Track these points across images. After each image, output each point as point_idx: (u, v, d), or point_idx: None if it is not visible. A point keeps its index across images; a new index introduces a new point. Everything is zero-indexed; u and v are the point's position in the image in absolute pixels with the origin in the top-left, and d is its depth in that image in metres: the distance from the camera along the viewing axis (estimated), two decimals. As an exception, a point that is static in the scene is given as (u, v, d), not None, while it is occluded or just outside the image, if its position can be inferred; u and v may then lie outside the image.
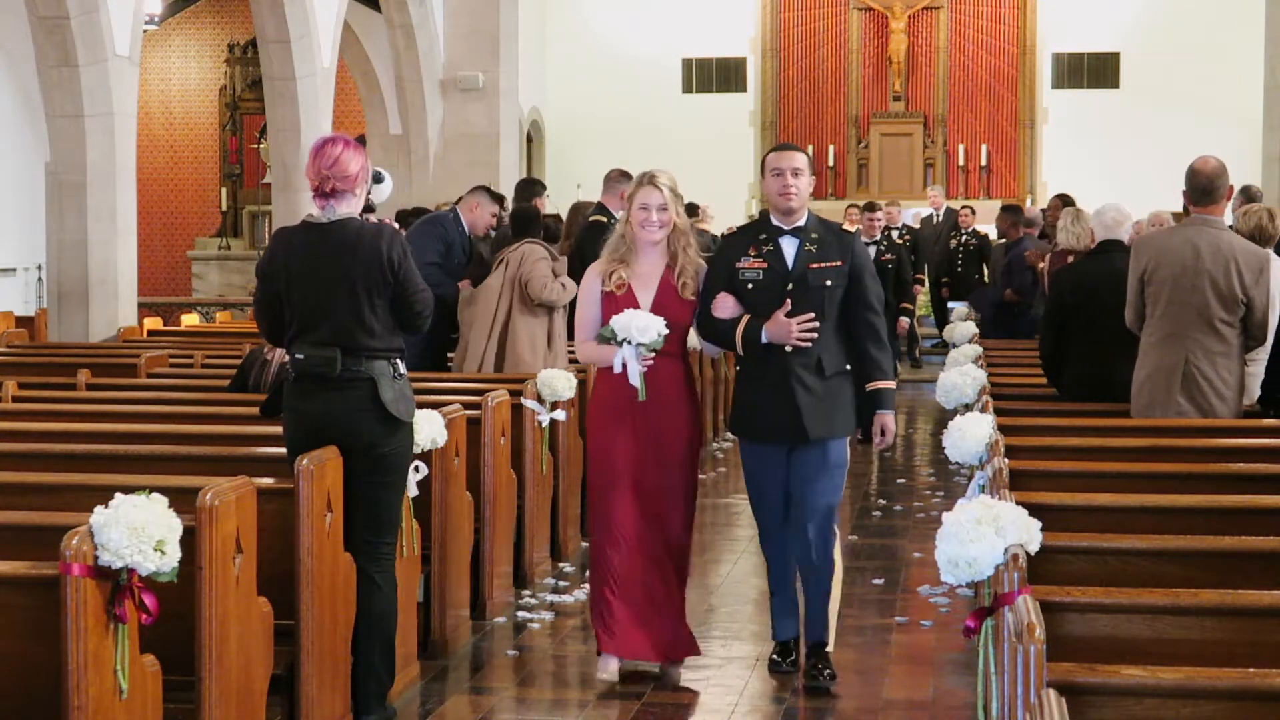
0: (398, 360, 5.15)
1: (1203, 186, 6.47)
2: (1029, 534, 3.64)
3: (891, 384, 5.74)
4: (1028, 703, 3.02)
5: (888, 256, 12.71)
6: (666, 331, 5.59)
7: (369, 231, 5.06)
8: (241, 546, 4.36)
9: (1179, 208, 9.56)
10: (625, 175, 9.52)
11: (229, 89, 21.88)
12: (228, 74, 21.91)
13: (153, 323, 12.80)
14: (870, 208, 13.63)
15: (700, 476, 7.43)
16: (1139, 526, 4.47)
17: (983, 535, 3.57)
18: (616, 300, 5.74)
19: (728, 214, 17.91)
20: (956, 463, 5.80)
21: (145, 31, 13.78)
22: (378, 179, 5.56)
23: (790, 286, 5.66)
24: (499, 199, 10.13)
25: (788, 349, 5.63)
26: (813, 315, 5.62)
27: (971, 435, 5.53)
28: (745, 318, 5.69)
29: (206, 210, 21.90)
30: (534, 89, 21.40)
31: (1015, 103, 22.07)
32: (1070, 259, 9.34)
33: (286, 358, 5.22)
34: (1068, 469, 5.39)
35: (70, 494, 4.91)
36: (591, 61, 22.18)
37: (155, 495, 3.80)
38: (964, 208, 16.52)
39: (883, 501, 9.57)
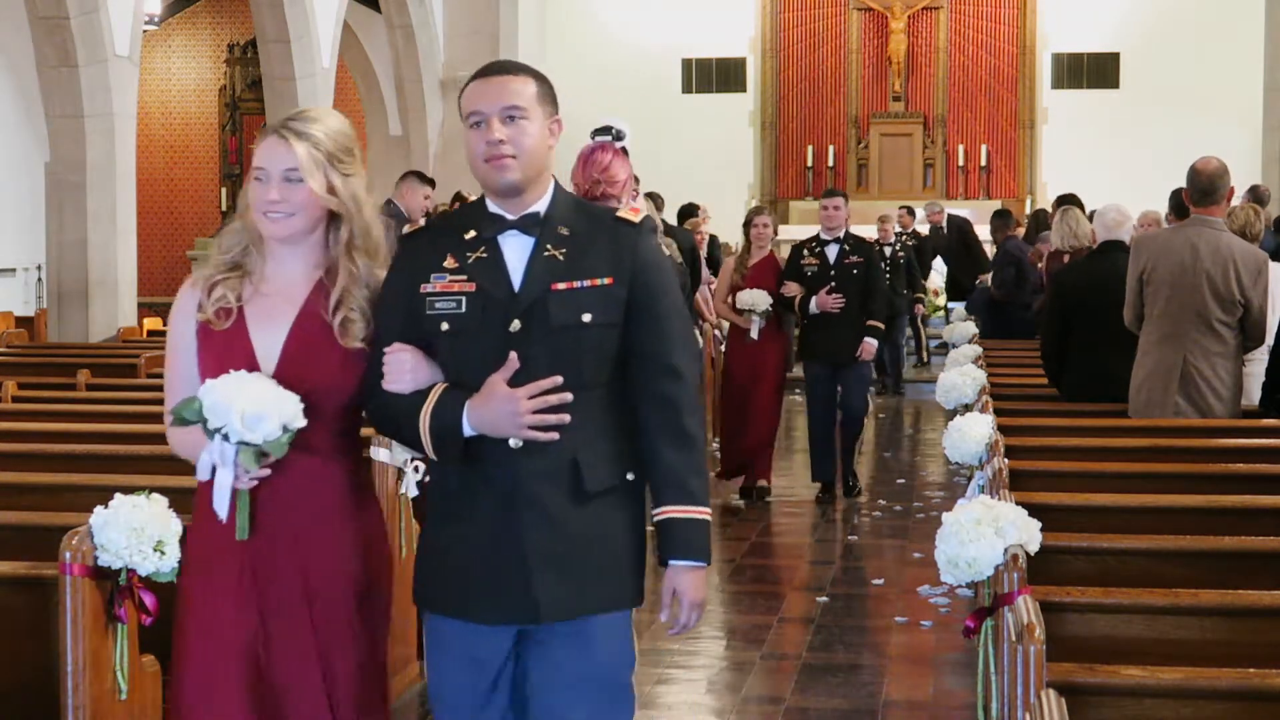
0: None
1: (1203, 187, 6.47)
2: (1029, 534, 3.64)
3: (702, 514, 3.14)
4: (1028, 703, 3.02)
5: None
6: (295, 425, 3.11)
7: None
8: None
9: (1165, 207, 9.59)
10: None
11: (229, 89, 21.88)
12: (227, 74, 21.90)
13: (153, 323, 12.81)
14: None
15: None
16: (1139, 526, 4.47)
17: (983, 535, 3.57)
18: (215, 341, 3.26)
19: (728, 214, 17.89)
20: (956, 463, 5.80)
21: (145, 31, 13.78)
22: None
23: (516, 326, 3.08)
24: (429, 181, 10.37)
25: (513, 445, 3.06)
26: (559, 381, 3.05)
27: (971, 435, 5.53)
28: (436, 390, 3.11)
29: (206, 210, 21.90)
30: (534, 89, 21.37)
31: (1015, 103, 22.05)
32: (1066, 258, 9.35)
33: None
34: (1068, 469, 5.39)
35: (70, 494, 4.91)
36: (591, 62, 22.17)
37: (155, 496, 3.80)
38: (902, 208, 16.35)
39: (883, 501, 9.57)
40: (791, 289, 9.45)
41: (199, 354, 3.27)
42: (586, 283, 3.10)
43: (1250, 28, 18.95)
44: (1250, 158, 17.81)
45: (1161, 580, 3.95)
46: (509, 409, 3.01)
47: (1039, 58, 21.98)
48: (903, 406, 14.67)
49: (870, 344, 9.45)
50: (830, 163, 22.03)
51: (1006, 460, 5.12)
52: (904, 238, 15.19)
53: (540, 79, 3.18)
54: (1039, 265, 11.68)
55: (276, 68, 13.83)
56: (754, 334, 9.57)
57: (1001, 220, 13.44)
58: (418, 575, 3.23)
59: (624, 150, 5.13)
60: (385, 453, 5.27)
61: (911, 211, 16.30)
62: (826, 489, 9.59)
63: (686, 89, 22.48)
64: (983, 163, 21.99)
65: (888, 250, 14.17)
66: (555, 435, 3.04)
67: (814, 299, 9.35)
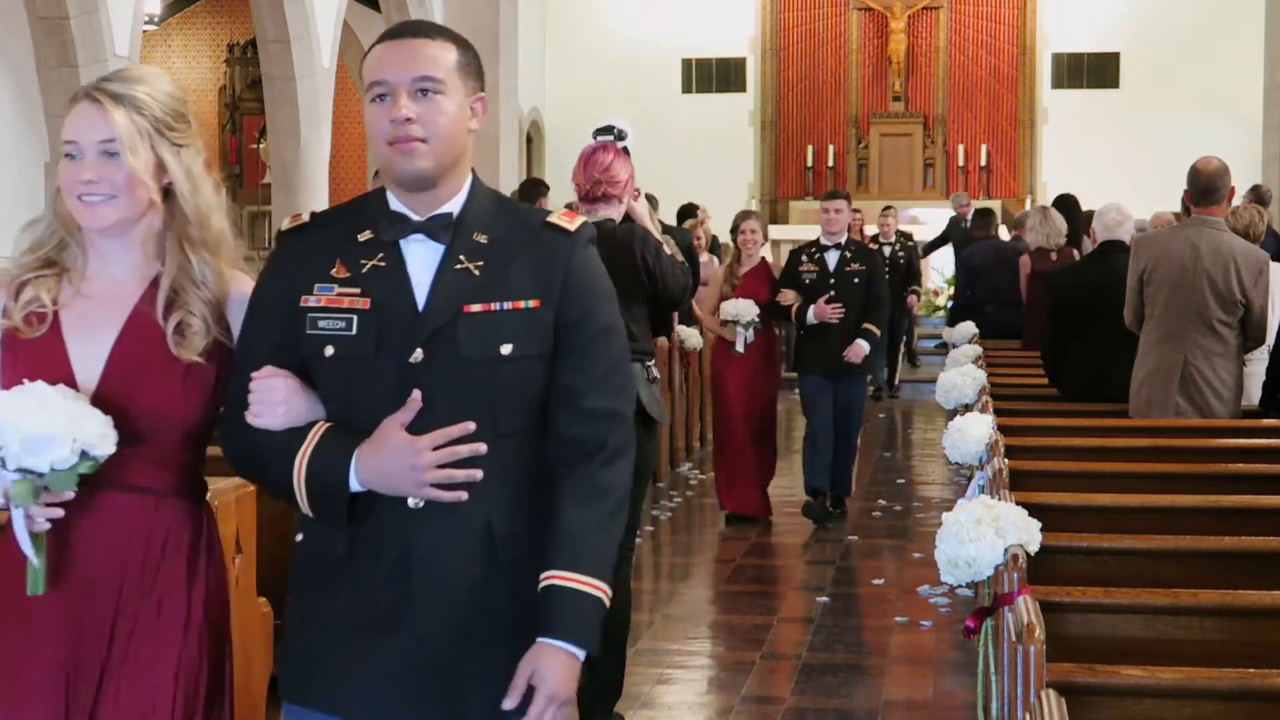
0: (651, 363, 5.17)
1: (1204, 187, 6.47)
2: (1029, 534, 3.64)
3: (593, 587, 2.51)
4: (1028, 703, 3.02)
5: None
6: (99, 452, 2.52)
7: (622, 234, 5.12)
8: (241, 546, 4.36)
9: (1178, 208, 9.58)
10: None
11: (229, 89, 21.88)
12: (227, 74, 21.91)
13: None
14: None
15: None
16: (1139, 526, 4.47)
17: (983, 535, 3.57)
18: (25, 353, 2.67)
19: (728, 215, 17.88)
20: (956, 463, 5.80)
21: (145, 31, 13.78)
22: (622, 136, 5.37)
23: (419, 356, 2.48)
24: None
25: (412, 505, 2.49)
26: (471, 427, 2.47)
27: (971, 435, 5.53)
28: (317, 431, 2.51)
29: (206, 210, 21.89)
30: (534, 89, 21.39)
31: (1015, 103, 22.05)
32: (1054, 257, 9.36)
33: None
34: (1067, 469, 5.39)
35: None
36: (591, 61, 22.17)
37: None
38: (885, 209, 15.54)
39: (883, 501, 9.56)
40: (787, 297, 8.82)
41: (4, 368, 2.64)
42: (507, 305, 2.49)
43: (1250, 28, 18.96)
44: (1250, 158, 17.82)
45: (1161, 580, 3.95)
46: (407, 461, 2.41)
47: (1039, 57, 21.98)
48: (902, 406, 14.68)
49: (860, 345, 8.75)
50: (830, 163, 22.03)
51: (1006, 460, 5.12)
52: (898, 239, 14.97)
53: (462, 45, 2.59)
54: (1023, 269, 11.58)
55: (276, 68, 13.83)
56: (739, 347, 8.84)
57: (982, 220, 13.36)
58: (282, 660, 2.60)
59: (625, 150, 5.13)
60: None
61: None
62: (814, 495, 8.90)
63: (686, 89, 22.48)
64: (983, 163, 21.99)
65: (886, 250, 13.97)
66: (464, 495, 2.45)
67: (812, 308, 8.71)
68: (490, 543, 2.49)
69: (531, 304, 2.51)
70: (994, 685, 3.69)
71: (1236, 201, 7.86)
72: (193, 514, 2.72)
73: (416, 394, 2.44)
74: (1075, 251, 10.12)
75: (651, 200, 12.58)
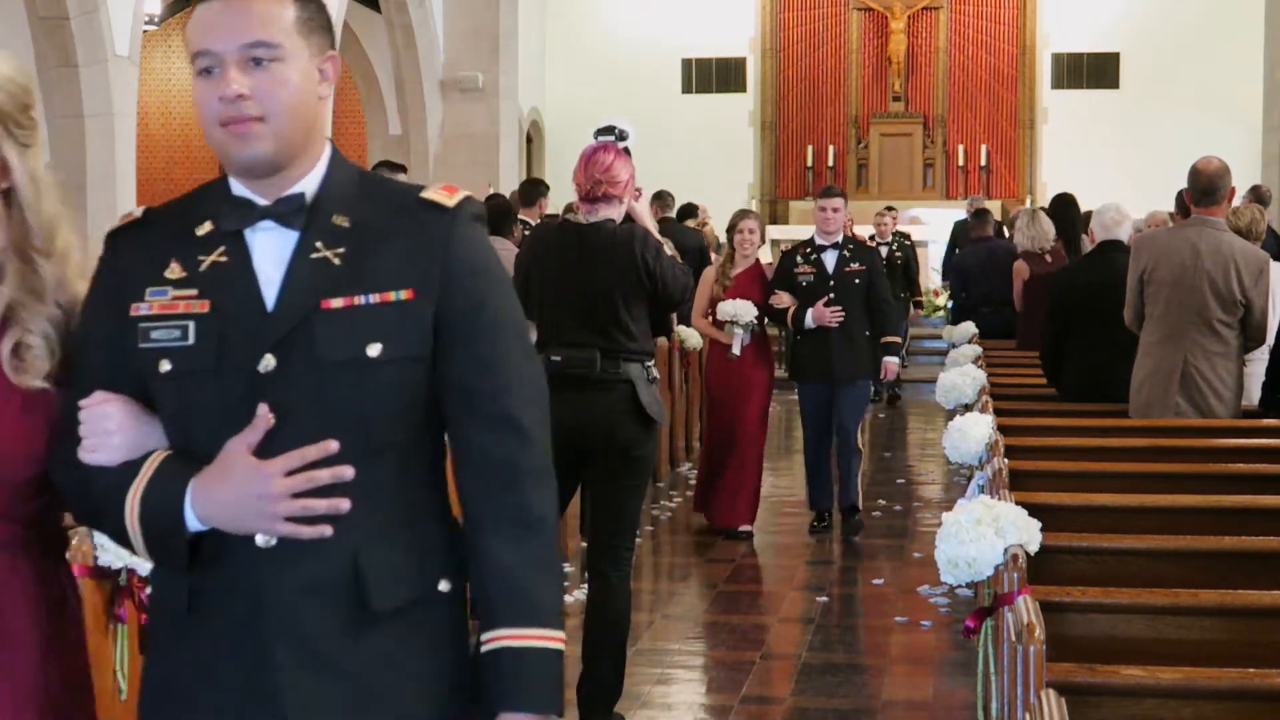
0: (650, 363, 5.17)
1: (1204, 187, 6.47)
2: (1029, 534, 3.64)
3: (550, 639, 2.12)
4: (1028, 703, 3.02)
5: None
6: None
7: (623, 234, 5.11)
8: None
9: (1171, 208, 9.59)
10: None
11: (229, 89, 21.88)
12: (227, 74, 21.90)
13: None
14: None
15: None
16: (1139, 526, 4.47)
17: (982, 535, 3.57)
18: None
19: (728, 214, 17.87)
20: (956, 463, 5.80)
21: (145, 31, 13.77)
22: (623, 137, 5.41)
23: (269, 364, 2.09)
24: (399, 167, 9.95)
25: (261, 543, 2.07)
26: (333, 447, 2.05)
27: (971, 435, 5.53)
28: (152, 461, 2.15)
29: (206, 210, 21.90)
30: (534, 89, 21.40)
31: (1015, 103, 22.05)
32: (1049, 259, 9.36)
33: None
34: (1067, 469, 5.39)
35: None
36: (591, 61, 22.18)
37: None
38: (887, 209, 15.20)
39: (883, 501, 9.56)
40: (782, 300, 8.32)
41: None
42: (374, 298, 2.08)
43: (1250, 28, 18.96)
44: (1250, 158, 17.82)
45: (1161, 580, 3.95)
46: (255, 490, 2.00)
47: (1039, 57, 21.99)
48: (902, 406, 14.68)
49: (891, 363, 8.50)
50: (830, 163, 22.04)
51: (1006, 460, 5.12)
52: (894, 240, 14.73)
53: None
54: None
55: (276, 68, 13.82)
56: (736, 350, 8.35)
57: (979, 220, 13.29)
58: None
59: (626, 150, 5.13)
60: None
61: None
62: (821, 518, 8.67)
63: (686, 89, 22.48)
64: (983, 163, 21.99)
65: (884, 250, 13.83)
66: (327, 529, 2.03)
67: (810, 311, 8.19)
68: (359, 585, 2.05)
69: (403, 295, 2.09)
70: (994, 685, 3.70)
71: (1236, 202, 7.86)
72: (45, 571, 2.25)
73: (263, 409, 2.02)
74: (1063, 249, 10.10)
75: (665, 197, 12.58)
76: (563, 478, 5.52)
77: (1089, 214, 8.59)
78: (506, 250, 8.40)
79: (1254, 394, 6.65)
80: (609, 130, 5.18)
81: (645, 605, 7.01)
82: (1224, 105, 20.35)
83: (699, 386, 11.41)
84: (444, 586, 2.13)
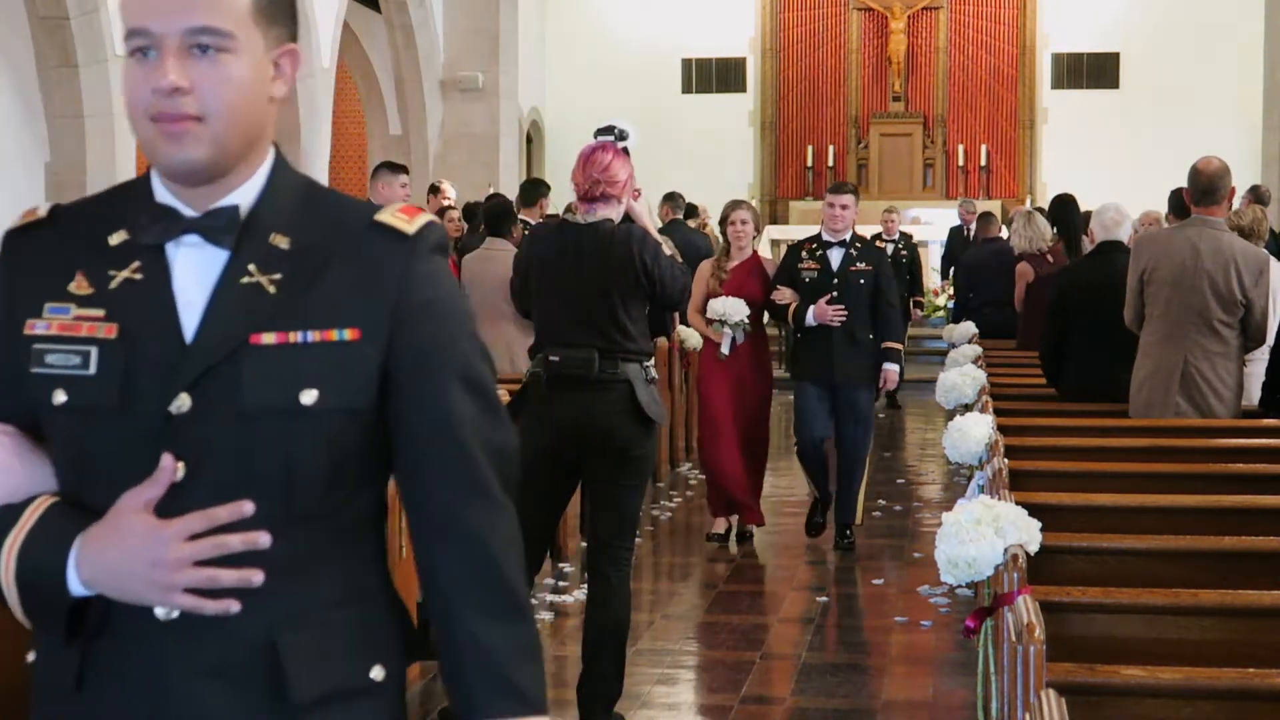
0: (649, 364, 5.17)
1: (1204, 187, 6.47)
2: (1029, 534, 3.64)
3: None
4: (1028, 703, 3.02)
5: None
6: None
7: (621, 234, 5.12)
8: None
9: (1166, 207, 9.60)
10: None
11: (229, 89, 21.88)
12: (227, 74, 21.90)
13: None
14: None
15: None
16: (1139, 526, 4.47)
17: (982, 535, 3.57)
18: None
19: (727, 214, 17.88)
20: (956, 463, 5.80)
21: (145, 31, 13.78)
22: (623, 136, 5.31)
23: (183, 404, 1.77)
24: (401, 169, 9.82)
25: (161, 616, 1.76)
26: (247, 510, 1.76)
27: (971, 435, 5.53)
28: (36, 508, 1.83)
29: (206, 210, 21.88)
30: (534, 89, 21.40)
31: (1015, 103, 22.05)
32: (1050, 259, 9.36)
33: None
34: (1067, 469, 5.39)
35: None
36: (591, 61, 22.18)
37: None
38: (887, 210, 14.99)
39: (883, 501, 9.56)
40: (784, 295, 7.99)
41: None
42: (312, 335, 1.77)
43: (1250, 28, 18.97)
44: (1250, 158, 17.83)
45: (1161, 580, 3.95)
46: (150, 555, 1.70)
47: (1039, 58, 21.99)
48: (902, 402, 14.68)
49: (892, 370, 8.02)
50: (830, 163, 22.03)
51: (1006, 460, 5.12)
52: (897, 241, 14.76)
53: None
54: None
55: (276, 68, 13.83)
56: (725, 349, 7.98)
57: (984, 223, 13.40)
58: None
59: (625, 150, 5.13)
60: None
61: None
62: (824, 508, 8.37)
63: (686, 89, 22.48)
64: (983, 163, 21.99)
65: (890, 248, 13.83)
66: (235, 605, 1.73)
67: (812, 309, 7.87)
68: (276, 672, 1.75)
69: (348, 335, 1.78)
70: (994, 685, 3.70)
71: (1237, 202, 7.87)
72: None
73: (168, 459, 1.72)
74: (1062, 249, 10.11)
75: (676, 199, 12.55)
76: (562, 478, 5.52)
77: (1089, 214, 8.59)
78: (506, 250, 8.40)
79: (1254, 394, 6.65)
80: (609, 130, 5.18)
81: (645, 605, 7.01)
82: (1224, 105, 20.35)
83: (698, 386, 11.42)
84: (377, 674, 1.85)
